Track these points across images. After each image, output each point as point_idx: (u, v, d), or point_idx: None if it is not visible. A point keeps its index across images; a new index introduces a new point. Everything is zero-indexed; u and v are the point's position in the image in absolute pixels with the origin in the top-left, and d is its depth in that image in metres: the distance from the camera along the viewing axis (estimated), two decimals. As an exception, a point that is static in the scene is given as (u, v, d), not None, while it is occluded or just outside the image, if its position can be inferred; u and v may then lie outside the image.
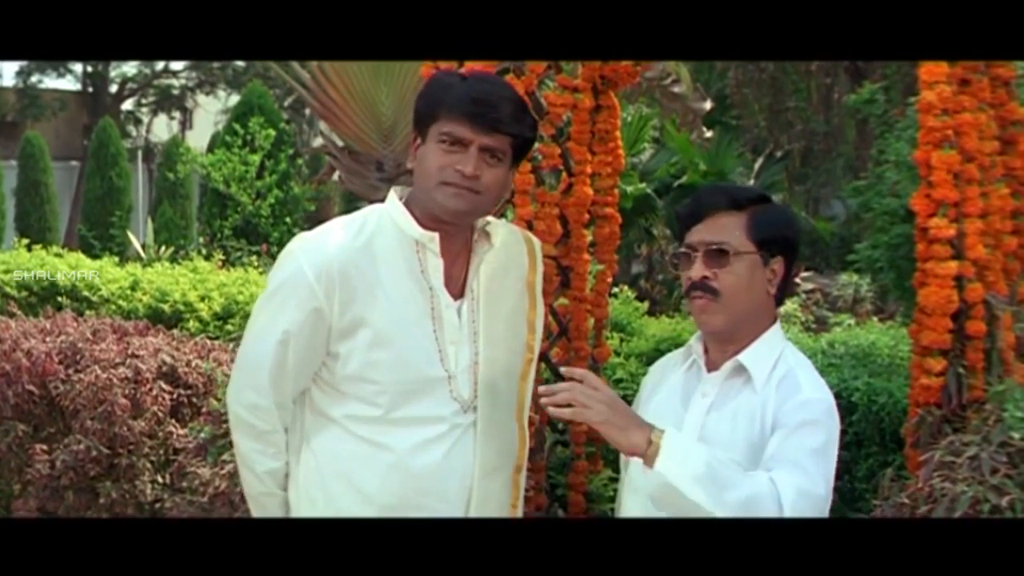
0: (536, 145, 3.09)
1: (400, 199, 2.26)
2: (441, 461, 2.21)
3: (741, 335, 2.13)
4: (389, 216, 2.24)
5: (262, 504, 2.34)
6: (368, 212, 2.28)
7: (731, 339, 2.14)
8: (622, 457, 2.36)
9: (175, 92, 27.46)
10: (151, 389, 4.08)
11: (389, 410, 2.19)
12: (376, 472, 2.21)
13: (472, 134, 2.17)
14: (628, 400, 2.45)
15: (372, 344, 2.17)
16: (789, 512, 1.90)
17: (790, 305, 7.79)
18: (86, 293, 6.80)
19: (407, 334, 2.19)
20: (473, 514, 2.25)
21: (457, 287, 2.26)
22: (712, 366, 2.15)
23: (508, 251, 2.34)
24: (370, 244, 2.20)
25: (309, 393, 2.27)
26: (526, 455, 2.37)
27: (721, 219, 2.12)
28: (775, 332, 2.14)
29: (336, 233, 2.22)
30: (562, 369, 2.12)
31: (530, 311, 2.36)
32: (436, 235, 2.21)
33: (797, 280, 9.46)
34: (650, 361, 3.98)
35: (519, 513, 2.36)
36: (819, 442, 2.01)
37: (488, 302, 2.27)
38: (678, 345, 3.06)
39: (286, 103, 23.27)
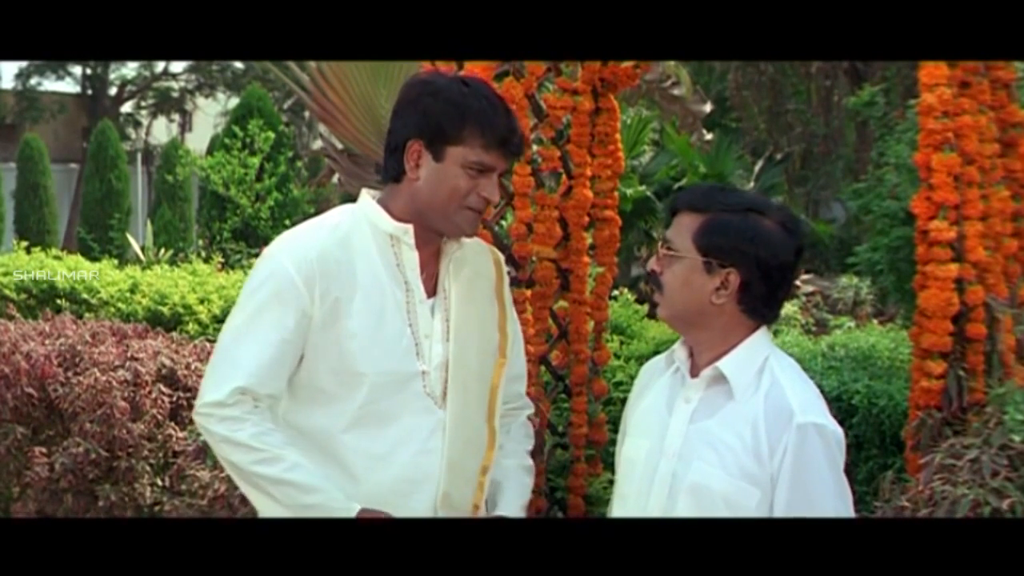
0: (536, 148, 3.10)
1: (372, 199, 2.28)
2: (410, 458, 2.22)
3: (704, 338, 2.11)
4: (363, 214, 2.27)
5: (310, 506, 2.14)
6: (340, 211, 2.30)
7: (693, 340, 2.13)
8: (616, 464, 2.36)
9: (174, 95, 27.47)
10: (150, 392, 4.08)
11: (365, 403, 2.19)
12: (352, 476, 2.21)
13: (501, 163, 2.23)
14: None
15: (351, 336, 2.18)
16: None
17: (790, 308, 7.80)
18: (85, 296, 6.80)
19: (385, 326, 2.21)
20: (440, 509, 2.25)
21: (429, 286, 2.28)
22: (695, 371, 2.14)
23: (476, 258, 2.37)
24: (347, 240, 2.23)
25: (278, 406, 2.25)
26: (493, 458, 2.36)
27: (683, 218, 2.12)
28: (758, 339, 2.11)
29: (311, 231, 2.26)
30: None
31: (500, 317, 2.38)
32: (410, 227, 2.23)
33: (797, 283, 9.46)
34: (650, 364, 3.98)
35: (481, 514, 2.35)
36: (823, 508, 2.00)
37: (459, 302, 2.30)
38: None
39: (285, 106, 23.27)
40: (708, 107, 10.73)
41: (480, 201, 2.22)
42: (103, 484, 3.98)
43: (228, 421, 2.15)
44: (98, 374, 4.04)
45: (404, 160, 2.22)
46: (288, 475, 2.14)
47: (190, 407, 4.23)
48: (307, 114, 23.24)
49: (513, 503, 2.38)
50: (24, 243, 9.14)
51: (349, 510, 2.15)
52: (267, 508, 2.18)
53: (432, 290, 2.29)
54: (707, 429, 2.05)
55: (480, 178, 2.20)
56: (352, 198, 2.36)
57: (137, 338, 4.61)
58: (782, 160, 13.15)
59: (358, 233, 2.24)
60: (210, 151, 14.58)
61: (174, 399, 4.15)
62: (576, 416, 3.19)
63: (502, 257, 2.49)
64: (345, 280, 2.19)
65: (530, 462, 2.47)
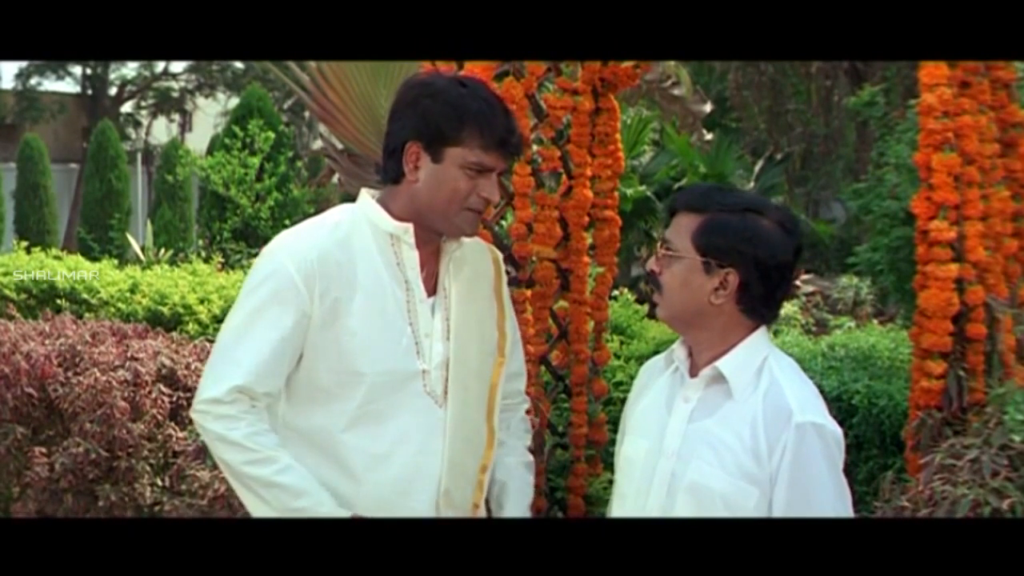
0: (536, 148, 3.10)
1: (372, 198, 2.28)
2: (410, 458, 2.22)
3: (703, 338, 2.11)
4: (363, 213, 2.27)
5: (304, 510, 2.14)
6: (340, 211, 2.30)
7: (692, 340, 2.13)
8: (616, 464, 2.36)
9: (174, 95, 27.44)
10: (150, 392, 4.07)
11: (365, 403, 2.19)
12: (352, 476, 2.21)
13: (500, 163, 2.23)
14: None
15: (352, 335, 2.18)
16: None
17: (790, 308, 7.80)
18: (85, 295, 6.80)
19: (385, 326, 2.21)
20: (443, 508, 2.25)
21: (429, 285, 2.29)
22: (694, 371, 2.14)
23: (475, 257, 2.37)
24: (347, 239, 2.23)
25: (276, 406, 2.26)
26: (492, 457, 2.36)
27: (682, 218, 2.12)
28: (757, 338, 2.11)
29: (312, 230, 2.25)
30: None
31: (499, 316, 2.39)
32: (410, 226, 2.23)
33: (797, 283, 9.46)
34: (650, 364, 3.99)
35: (481, 512, 2.36)
36: (822, 507, 2.00)
37: (459, 301, 2.30)
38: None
39: (285, 105, 23.26)
40: (708, 107, 10.74)
41: (480, 202, 2.22)
42: (103, 484, 3.98)
43: (224, 419, 2.15)
44: (98, 374, 4.04)
45: (403, 162, 2.22)
46: (278, 478, 2.14)
47: (190, 407, 4.21)
48: (307, 114, 23.23)
49: (519, 504, 2.39)
50: (24, 243, 9.13)
51: (338, 515, 2.15)
52: (257, 509, 2.18)
53: (432, 289, 2.29)
54: (706, 428, 2.05)
55: (479, 178, 2.20)
56: (352, 198, 2.36)
57: (137, 338, 4.60)
58: (782, 160, 13.14)
59: (358, 233, 2.24)
60: (210, 151, 14.55)
61: (174, 399, 4.14)
62: (576, 416, 3.19)
63: (500, 256, 2.49)
64: (345, 280, 2.19)
65: (530, 458, 2.48)
